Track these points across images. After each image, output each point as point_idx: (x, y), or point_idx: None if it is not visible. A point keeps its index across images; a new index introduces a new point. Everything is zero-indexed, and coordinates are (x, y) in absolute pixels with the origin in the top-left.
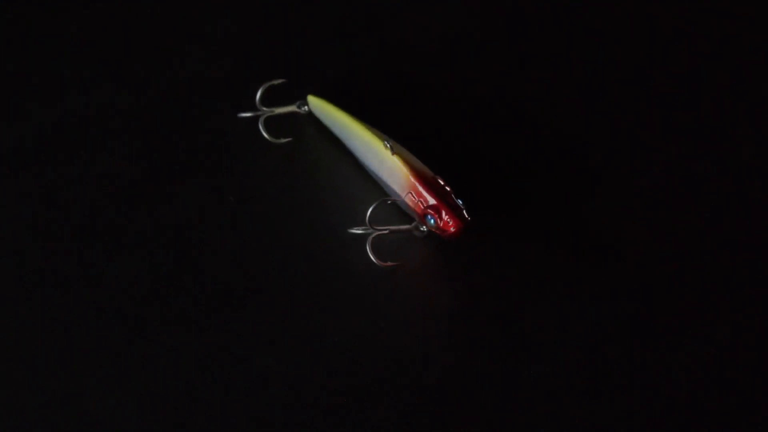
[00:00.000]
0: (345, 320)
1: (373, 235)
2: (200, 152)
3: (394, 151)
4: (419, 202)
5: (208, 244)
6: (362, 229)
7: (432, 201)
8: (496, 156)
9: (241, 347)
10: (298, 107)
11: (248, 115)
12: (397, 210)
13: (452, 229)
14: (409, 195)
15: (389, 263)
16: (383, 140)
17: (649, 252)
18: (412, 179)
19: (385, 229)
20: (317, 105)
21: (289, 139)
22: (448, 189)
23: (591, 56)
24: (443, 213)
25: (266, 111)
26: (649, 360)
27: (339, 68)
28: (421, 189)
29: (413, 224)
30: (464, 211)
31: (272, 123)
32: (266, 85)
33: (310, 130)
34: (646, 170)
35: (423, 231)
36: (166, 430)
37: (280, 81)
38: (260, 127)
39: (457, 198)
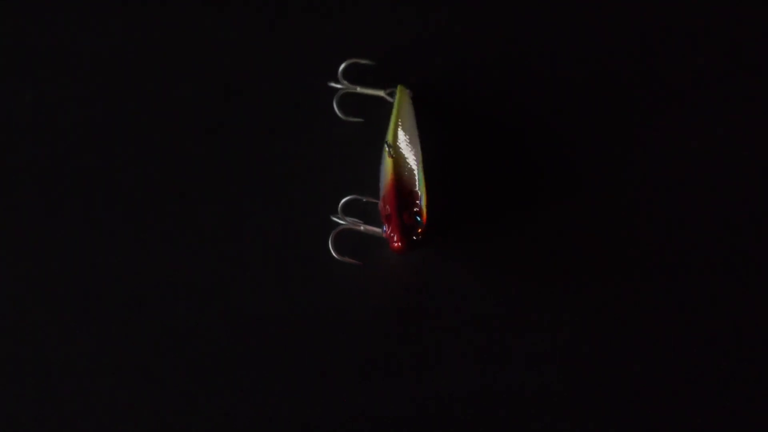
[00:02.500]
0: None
1: (340, 228)
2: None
3: (391, 154)
4: (385, 207)
5: None
6: (337, 218)
7: (389, 212)
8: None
9: None
10: (387, 94)
11: (337, 86)
12: None
13: (395, 244)
14: (383, 198)
15: (347, 259)
16: (392, 140)
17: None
18: (389, 184)
19: (359, 226)
20: (398, 97)
21: (360, 120)
22: (416, 209)
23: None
24: (392, 226)
25: (346, 86)
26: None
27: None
28: (390, 196)
29: (382, 229)
30: (417, 233)
31: (351, 100)
32: (351, 60)
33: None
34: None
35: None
36: None
37: (366, 62)
38: (334, 101)
39: (425, 221)
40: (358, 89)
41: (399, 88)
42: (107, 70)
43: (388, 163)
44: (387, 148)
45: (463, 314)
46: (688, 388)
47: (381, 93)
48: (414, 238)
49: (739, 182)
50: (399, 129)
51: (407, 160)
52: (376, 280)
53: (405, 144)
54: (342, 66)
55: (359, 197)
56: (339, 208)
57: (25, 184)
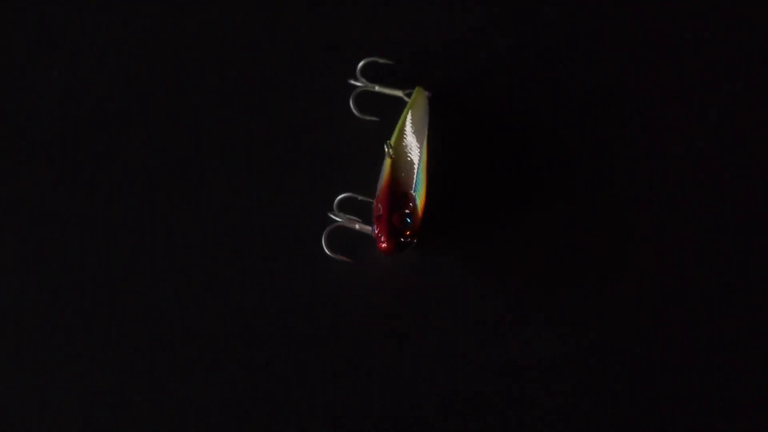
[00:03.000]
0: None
1: (334, 225)
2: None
3: (390, 155)
4: (378, 207)
5: None
6: (333, 215)
7: (380, 212)
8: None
9: None
10: (405, 95)
11: (356, 83)
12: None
13: (382, 245)
14: (377, 198)
15: (340, 256)
16: (394, 142)
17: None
18: (384, 185)
19: (354, 224)
20: (413, 98)
21: (376, 119)
22: (407, 211)
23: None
24: (381, 227)
25: (365, 84)
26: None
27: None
28: (383, 196)
29: (372, 228)
30: (406, 235)
31: (368, 98)
32: (369, 59)
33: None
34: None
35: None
36: None
37: (385, 60)
38: (351, 98)
39: (418, 224)
40: (377, 88)
41: (417, 89)
42: (131, 52)
43: (386, 164)
44: (386, 149)
45: (455, 316)
46: (688, 390)
47: (399, 93)
48: (402, 240)
49: (741, 182)
50: (405, 130)
51: (407, 162)
52: (366, 279)
53: (408, 146)
54: (360, 63)
55: (354, 195)
56: (334, 205)
57: (41, 154)
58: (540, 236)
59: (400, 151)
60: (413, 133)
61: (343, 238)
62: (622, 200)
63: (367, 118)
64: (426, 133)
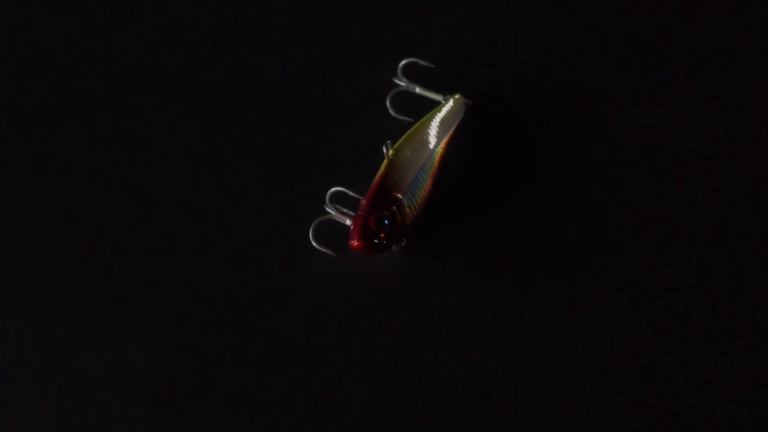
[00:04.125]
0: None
1: (324, 217)
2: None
3: (387, 156)
4: (362, 204)
5: None
6: (328, 208)
7: (360, 211)
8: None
9: None
10: (445, 100)
11: (399, 82)
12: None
13: (350, 242)
14: (365, 196)
15: (324, 249)
16: (399, 143)
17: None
18: (373, 184)
19: (344, 220)
20: (443, 105)
21: (410, 120)
22: (387, 213)
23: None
24: (354, 225)
25: (406, 84)
26: None
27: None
28: (369, 195)
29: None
30: (379, 237)
31: (406, 99)
32: (410, 59)
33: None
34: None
35: None
36: None
37: (427, 63)
38: (388, 97)
39: (397, 227)
40: (417, 90)
41: (456, 97)
42: (193, 25)
43: (383, 164)
44: (385, 149)
45: (429, 314)
46: (686, 386)
47: (440, 98)
48: (376, 241)
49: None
50: (422, 133)
51: (406, 165)
52: (348, 273)
53: (416, 149)
54: (402, 63)
55: (346, 191)
56: (327, 198)
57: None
58: (527, 235)
59: (404, 152)
60: (429, 137)
61: (335, 231)
62: (618, 199)
63: (402, 117)
64: (445, 139)
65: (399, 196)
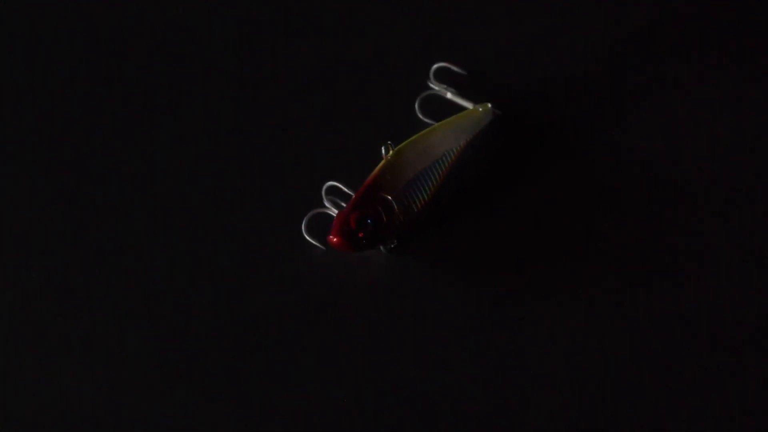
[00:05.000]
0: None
1: (317, 210)
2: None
3: (385, 157)
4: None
5: None
6: (325, 200)
7: (345, 207)
8: None
9: None
10: (474, 108)
11: (433, 86)
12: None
13: (329, 236)
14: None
15: (314, 241)
16: (403, 145)
17: None
18: (365, 182)
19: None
20: (466, 113)
21: (434, 123)
22: (371, 212)
23: None
24: (335, 220)
25: (439, 89)
26: None
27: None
28: (359, 193)
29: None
30: (356, 236)
31: (435, 102)
32: (442, 63)
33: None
34: None
35: None
36: None
37: (458, 69)
38: (417, 100)
39: (381, 228)
40: (449, 95)
41: (484, 107)
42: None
43: (380, 164)
44: (383, 150)
45: (412, 315)
46: (681, 384)
47: (470, 105)
48: (354, 239)
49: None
50: (432, 137)
51: (403, 168)
52: (336, 266)
53: (418, 153)
54: (433, 67)
55: (340, 186)
56: (323, 192)
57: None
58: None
59: (405, 155)
60: (440, 142)
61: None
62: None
63: (428, 121)
64: (461, 146)
65: (389, 197)
